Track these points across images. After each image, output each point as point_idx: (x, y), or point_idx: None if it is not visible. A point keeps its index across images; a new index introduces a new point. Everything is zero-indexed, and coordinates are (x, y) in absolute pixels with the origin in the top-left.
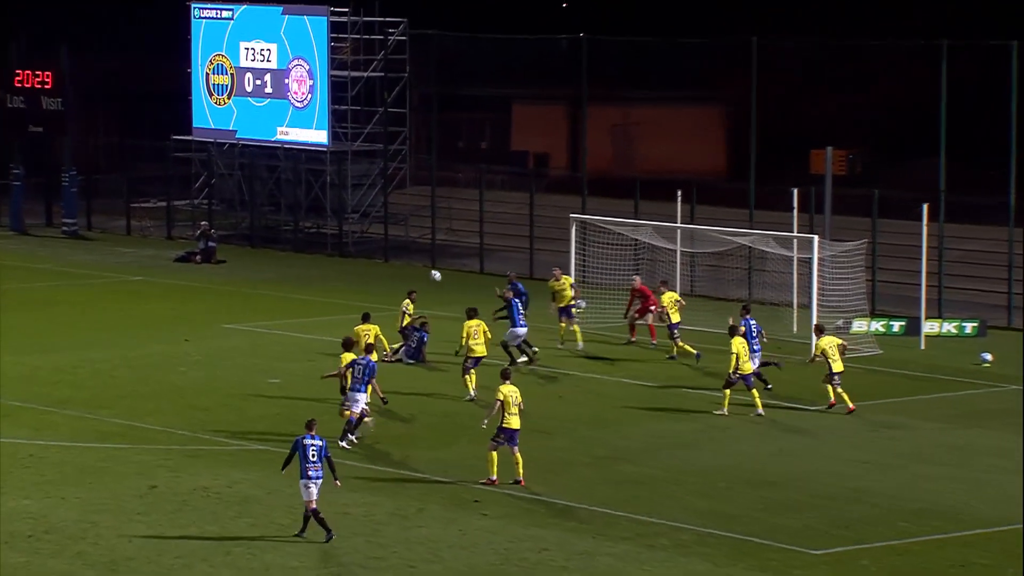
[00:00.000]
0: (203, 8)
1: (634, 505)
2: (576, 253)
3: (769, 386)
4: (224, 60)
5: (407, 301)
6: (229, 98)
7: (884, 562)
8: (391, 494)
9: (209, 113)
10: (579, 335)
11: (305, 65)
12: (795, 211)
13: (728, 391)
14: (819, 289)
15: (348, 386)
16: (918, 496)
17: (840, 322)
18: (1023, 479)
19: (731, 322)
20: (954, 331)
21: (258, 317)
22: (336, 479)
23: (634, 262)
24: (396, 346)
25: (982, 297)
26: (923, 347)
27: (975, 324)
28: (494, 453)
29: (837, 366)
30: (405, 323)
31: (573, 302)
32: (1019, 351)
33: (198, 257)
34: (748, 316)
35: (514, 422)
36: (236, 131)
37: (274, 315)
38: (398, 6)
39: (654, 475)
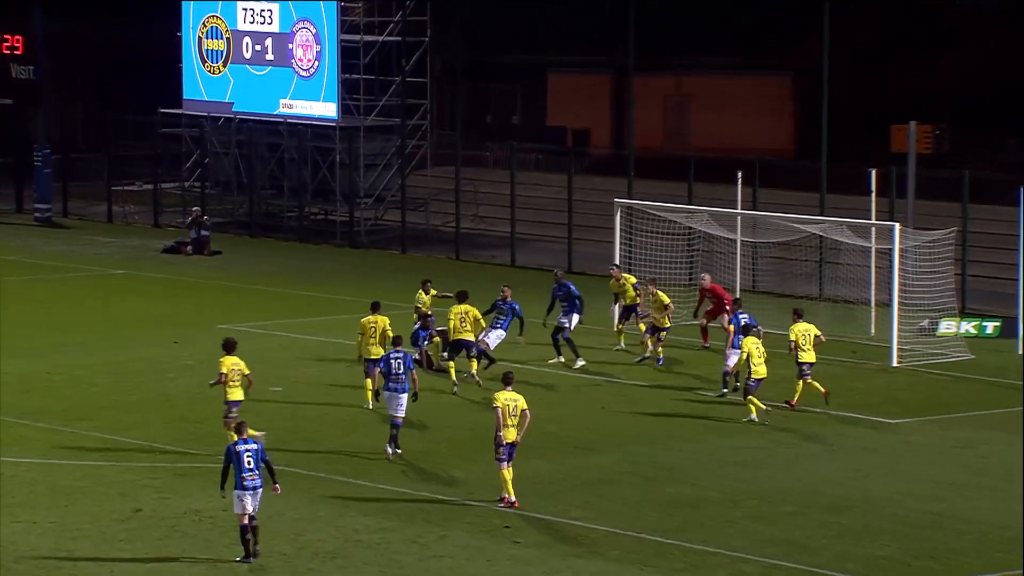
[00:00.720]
0: None
1: (687, 532)
2: (621, 244)
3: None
4: (219, 22)
5: (420, 292)
6: (225, 66)
7: None
8: (408, 518)
9: (202, 83)
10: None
11: (311, 28)
12: (873, 195)
13: (752, 398)
14: (901, 285)
15: (381, 386)
16: (1013, 523)
17: (925, 322)
18: (1023, 481)
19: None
20: None
21: (257, 316)
22: (275, 483)
23: (688, 254)
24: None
25: None
26: (1021, 351)
27: None
28: (504, 471)
29: (807, 356)
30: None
31: (638, 300)
32: None
33: (189, 248)
34: (739, 311)
35: (509, 434)
36: (232, 104)
37: (276, 314)
38: None
39: (710, 497)
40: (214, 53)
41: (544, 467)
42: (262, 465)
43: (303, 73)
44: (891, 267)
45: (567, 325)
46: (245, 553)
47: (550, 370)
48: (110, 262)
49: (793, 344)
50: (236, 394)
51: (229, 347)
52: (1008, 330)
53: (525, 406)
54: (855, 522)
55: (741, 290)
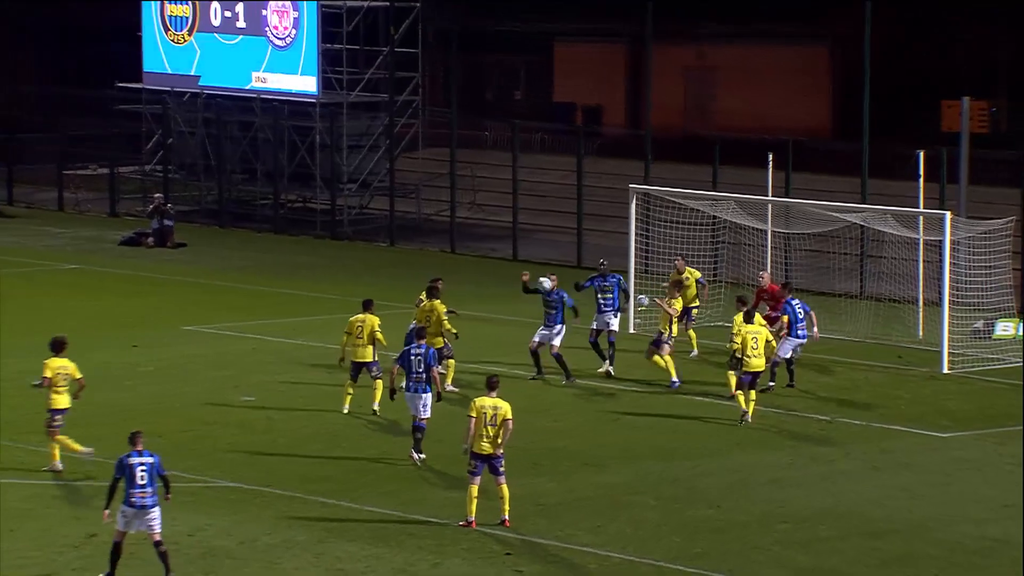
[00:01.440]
0: None
1: (713, 559)
2: (637, 234)
3: (772, 384)
4: None
5: (423, 296)
6: (190, 34)
7: None
8: (398, 544)
9: (164, 54)
10: (694, 340)
11: None
12: (921, 180)
13: (741, 394)
14: (952, 281)
15: (400, 386)
16: None
17: (979, 324)
18: (1023, 485)
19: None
20: None
21: (228, 316)
22: (168, 494)
23: (712, 247)
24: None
25: None
26: None
27: None
28: (472, 487)
29: (756, 364)
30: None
31: (697, 302)
32: None
33: (151, 239)
34: (791, 296)
35: (484, 447)
36: (199, 77)
37: (248, 314)
38: None
39: (737, 520)
40: (178, 20)
41: (550, 486)
42: (158, 482)
43: (278, 43)
44: (941, 261)
45: (613, 327)
46: (109, 572)
47: (559, 376)
48: (61, 255)
49: (736, 347)
50: (62, 401)
51: (57, 347)
52: None
53: (508, 415)
54: (899, 548)
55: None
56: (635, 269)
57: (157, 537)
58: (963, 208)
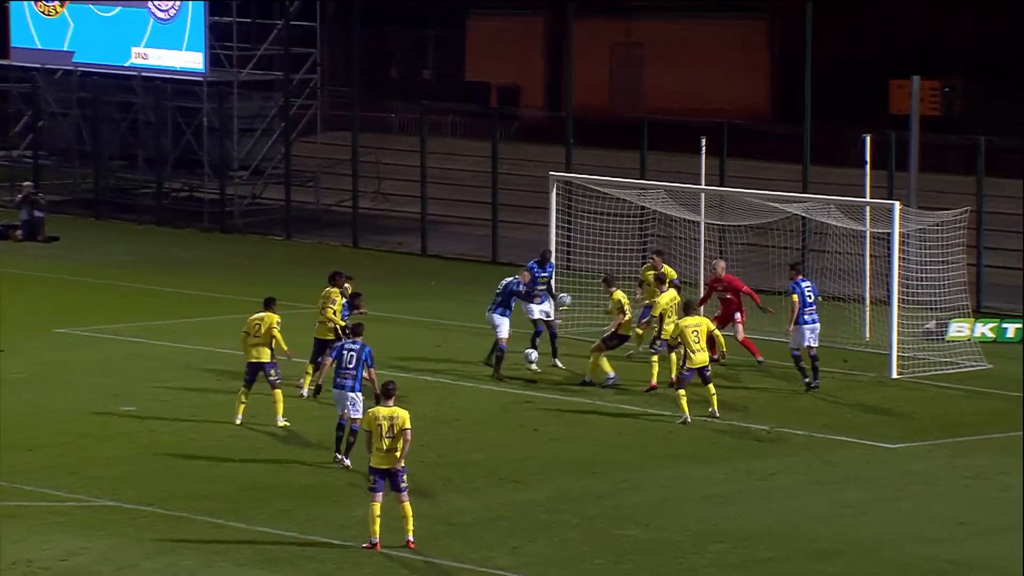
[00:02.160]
0: None
1: None
2: (558, 227)
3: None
4: None
5: (333, 289)
6: (63, 6)
7: None
8: (294, 568)
9: (34, 27)
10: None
11: None
12: (868, 167)
13: (682, 392)
14: (902, 277)
15: (326, 382)
16: None
17: (931, 324)
18: (1023, 489)
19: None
20: None
21: (105, 318)
22: None
23: (640, 239)
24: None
25: None
26: None
27: None
28: (374, 505)
29: (700, 359)
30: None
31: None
32: None
33: (19, 232)
34: (800, 278)
35: (382, 460)
36: (73, 53)
37: (129, 315)
38: None
39: (668, 540)
40: None
41: (463, 504)
42: None
43: (161, 15)
44: (890, 255)
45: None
46: None
47: (470, 383)
48: None
49: (677, 342)
50: None
51: None
52: None
53: (407, 424)
54: (845, 570)
55: (705, 284)
56: (556, 265)
57: None
58: (913, 198)
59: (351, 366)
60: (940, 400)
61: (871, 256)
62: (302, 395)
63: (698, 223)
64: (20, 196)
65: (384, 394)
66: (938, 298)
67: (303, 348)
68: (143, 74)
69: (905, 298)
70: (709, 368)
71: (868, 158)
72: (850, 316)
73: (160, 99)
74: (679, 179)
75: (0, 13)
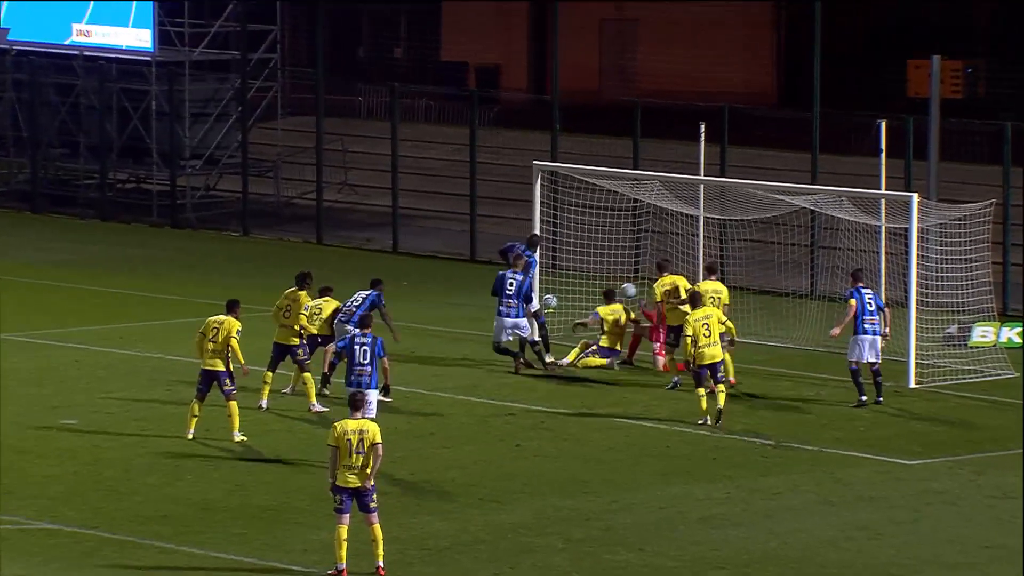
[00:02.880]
0: None
1: None
2: (542, 221)
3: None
4: None
5: (302, 293)
6: None
7: None
8: None
9: None
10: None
11: None
12: (883, 155)
13: (701, 390)
14: (920, 277)
15: (331, 378)
16: None
17: (953, 328)
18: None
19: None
20: None
21: (45, 322)
22: None
23: (633, 235)
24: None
25: None
26: None
27: None
28: (341, 527)
29: (712, 353)
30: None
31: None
32: None
33: None
34: (860, 285)
35: (350, 479)
36: (7, 30)
37: (70, 318)
38: None
39: (663, 566)
40: None
41: (440, 526)
42: None
43: None
44: (907, 253)
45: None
46: None
47: (446, 394)
48: None
49: (690, 339)
50: None
51: None
52: None
53: (377, 438)
54: None
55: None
56: (540, 263)
57: None
58: (933, 189)
59: (365, 362)
60: (962, 412)
61: (887, 254)
62: (261, 407)
63: (697, 217)
64: None
65: (352, 406)
66: (960, 300)
67: (262, 356)
68: (85, 53)
69: (924, 300)
70: (722, 365)
71: (883, 146)
72: None
73: (104, 81)
74: (676, 169)
75: None
